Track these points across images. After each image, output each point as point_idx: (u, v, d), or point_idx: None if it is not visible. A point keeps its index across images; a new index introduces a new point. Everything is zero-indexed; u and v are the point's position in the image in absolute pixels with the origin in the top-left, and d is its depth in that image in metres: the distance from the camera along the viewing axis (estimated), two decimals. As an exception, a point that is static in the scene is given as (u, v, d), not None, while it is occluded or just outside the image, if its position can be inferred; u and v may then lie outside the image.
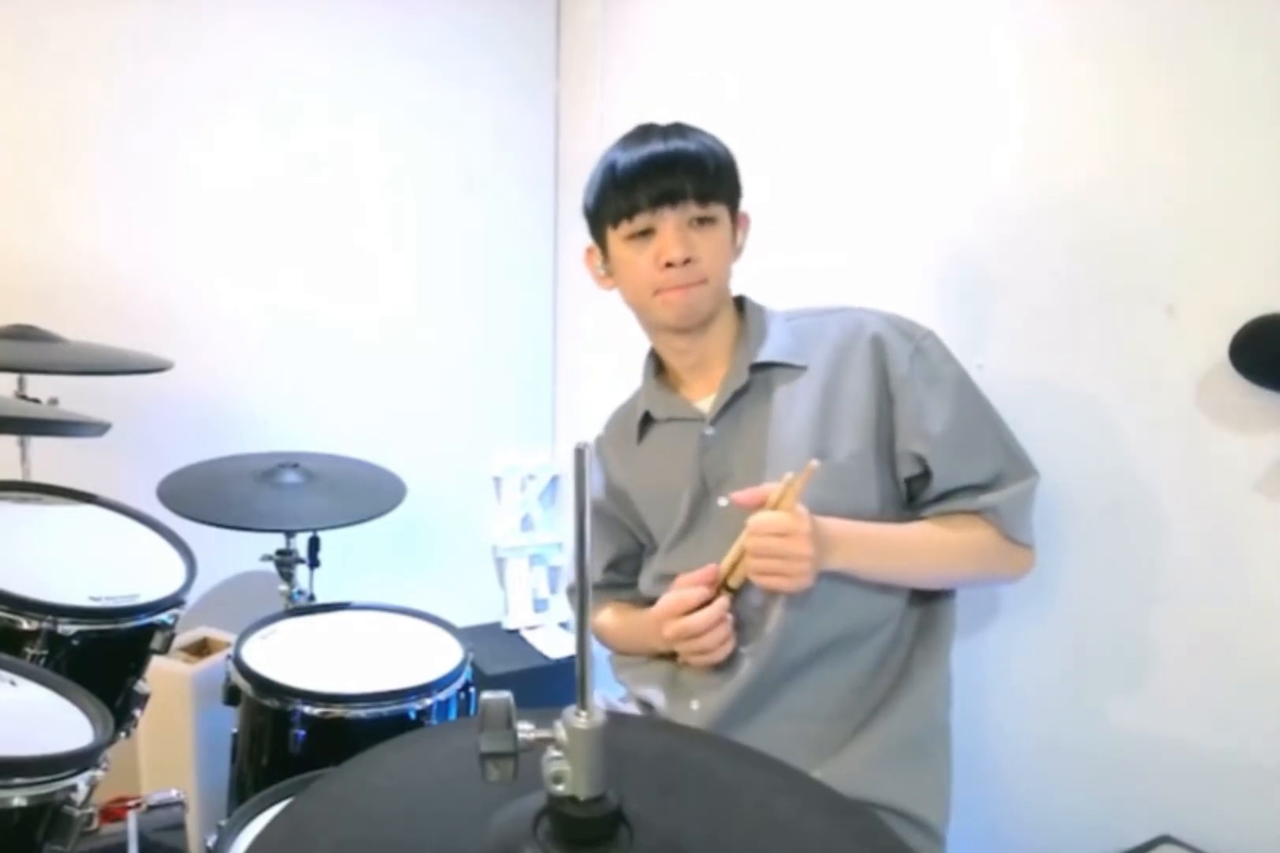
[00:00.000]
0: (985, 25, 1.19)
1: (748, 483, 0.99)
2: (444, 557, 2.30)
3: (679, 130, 1.01)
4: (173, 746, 1.62)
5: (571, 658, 2.12)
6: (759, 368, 1.04)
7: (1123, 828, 1.04)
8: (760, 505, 0.93)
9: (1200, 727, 1.01)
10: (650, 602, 1.11)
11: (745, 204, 1.06)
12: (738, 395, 1.04)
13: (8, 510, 1.31)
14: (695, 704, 1.03)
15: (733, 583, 0.98)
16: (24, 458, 1.54)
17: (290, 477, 1.63)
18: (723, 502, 1.04)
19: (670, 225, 0.98)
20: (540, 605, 2.38)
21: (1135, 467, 1.05)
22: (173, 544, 1.33)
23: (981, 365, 1.19)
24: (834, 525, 0.95)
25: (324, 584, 1.71)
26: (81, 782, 0.85)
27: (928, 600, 1.03)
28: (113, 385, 1.53)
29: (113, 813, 1.32)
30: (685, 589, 0.99)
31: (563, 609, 2.39)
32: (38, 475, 1.50)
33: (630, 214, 0.98)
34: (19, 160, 1.73)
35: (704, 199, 0.98)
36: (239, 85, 1.87)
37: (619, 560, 1.22)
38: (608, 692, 1.21)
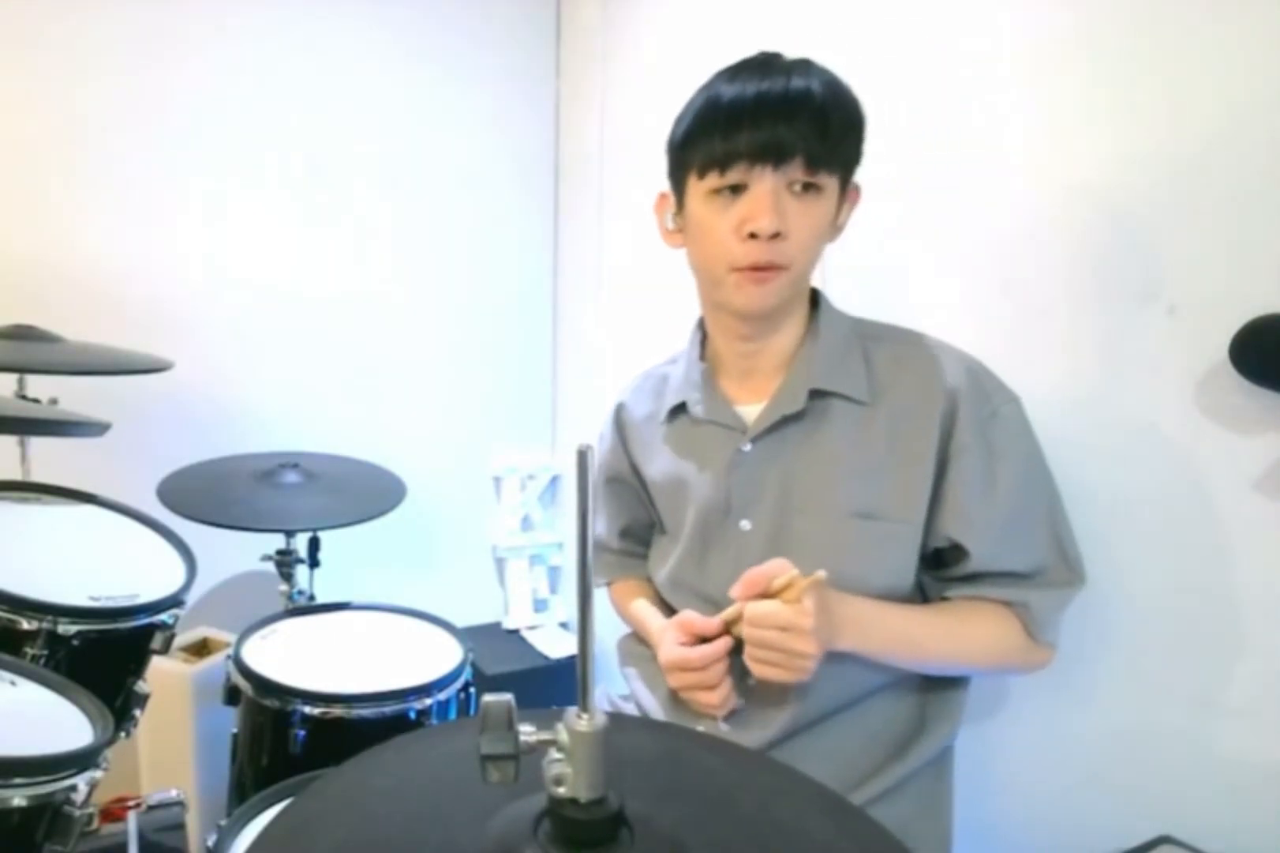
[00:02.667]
0: (984, 25, 1.19)
1: (777, 517, 0.94)
2: (444, 557, 2.30)
3: (806, 67, 0.85)
4: (173, 746, 1.62)
5: (572, 658, 2.13)
6: (818, 394, 0.93)
7: (1123, 828, 1.04)
8: (759, 592, 0.85)
9: (1200, 727, 1.01)
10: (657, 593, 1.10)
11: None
12: (788, 419, 0.93)
13: (8, 510, 1.31)
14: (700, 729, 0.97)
15: (735, 632, 0.91)
16: (24, 458, 1.54)
17: (290, 477, 1.63)
18: (746, 525, 0.97)
19: (766, 187, 0.83)
20: (540, 605, 2.38)
21: (1135, 467, 1.05)
22: (173, 544, 1.33)
23: (982, 365, 1.20)
24: (851, 606, 0.87)
25: (324, 584, 1.71)
26: (81, 782, 0.85)
27: None
28: (113, 385, 1.53)
29: (113, 813, 1.32)
30: (689, 649, 0.91)
31: (563, 609, 2.39)
32: (38, 475, 1.50)
33: (724, 165, 0.83)
34: (19, 160, 1.73)
35: (815, 162, 0.83)
36: (239, 85, 1.87)
37: (633, 528, 1.17)
38: (610, 688, 1.20)
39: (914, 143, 1.29)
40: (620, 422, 1.13)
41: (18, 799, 0.80)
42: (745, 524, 0.97)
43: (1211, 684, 1.00)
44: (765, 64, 0.85)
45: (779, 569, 0.84)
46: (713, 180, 0.85)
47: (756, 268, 0.85)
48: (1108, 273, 1.06)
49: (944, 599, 0.95)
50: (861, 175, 1.39)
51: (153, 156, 1.82)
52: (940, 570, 0.95)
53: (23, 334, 1.46)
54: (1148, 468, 1.04)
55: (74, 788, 0.84)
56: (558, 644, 2.22)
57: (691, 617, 0.94)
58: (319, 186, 1.99)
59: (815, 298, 1.00)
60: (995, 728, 1.23)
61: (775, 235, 0.83)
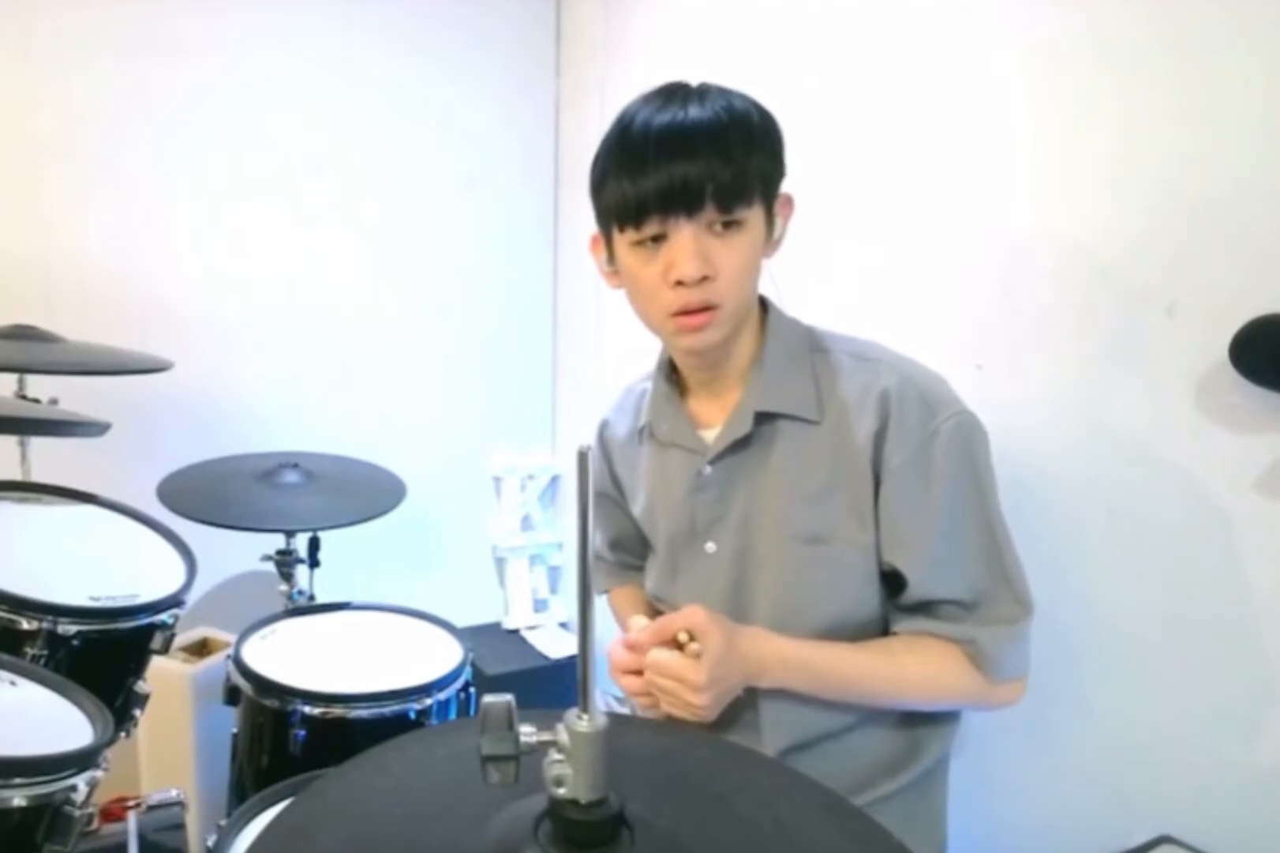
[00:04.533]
0: (986, 29, 1.19)
1: (739, 540, 0.94)
2: (444, 557, 2.30)
3: (705, 97, 0.83)
4: (173, 746, 1.62)
5: (571, 658, 2.13)
6: (766, 416, 0.91)
7: (1123, 828, 1.04)
8: (667, 640, 0.85)
9: (1200, 727, 1.01)
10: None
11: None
12: (740, 443, 0.92)
13: (8, 510, 1.31)
14: None
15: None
16: (24, 458, 1.54)
17: (290, 477, 1.63)
18: (711, 547, 0.96)
19: (685, 235, 0.81)
20: (540, 605, 2.38)
21: (1135, 467, 1.05)
22: (173, 544, 1.33)
23: (981, 366, 1.20)
24: (771, 645, 0.86)
25: (324, 584, 1.71)
26: (81, 782, 0.85)
27: None
28: (113, 385, 1.53)
29: (113, 813, 1.32)
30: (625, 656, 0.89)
31: (563, 609, 2.39)
32: (38, 475, 1.50)
33: (638, 219, 0.82)
34: (19, 160, 1.73)
35: (728, 201, 0.81)
36: (238, 85, 1.87)
37: (621, 540, 1.17)
38: (605, 690, 1.20)
39: (917, 146, 1.29)
40: (604, 439, 1.13)
41: (18, 799, 0.80)
42: (710, 546, 0.97)
43: (1212, 685, 1.00)
44: (668, 95, 0.84)
45: (687, 619, 0.84)
46: (632, 234, 0.84)
47: (689, 312, 0.85)
48: (1107, 273, 1.06)
49: (893, 634, 0.92)
50: (858, 178, 1.39)
51: (153, 157, 1.82)
52: (893, 598, 0.91)
53: (23, 334, 1.46)
54: (1148, 468, 1.04)
55: (74, 788, 0.84)
56: (558, 644, 2.22)
57: (635, 629, 0.90)
58: (319, 186, 1.99)
59: (765, 308, 0.97)
60: (995, 731, 1.22)
61: (703, 279, 0.82)
